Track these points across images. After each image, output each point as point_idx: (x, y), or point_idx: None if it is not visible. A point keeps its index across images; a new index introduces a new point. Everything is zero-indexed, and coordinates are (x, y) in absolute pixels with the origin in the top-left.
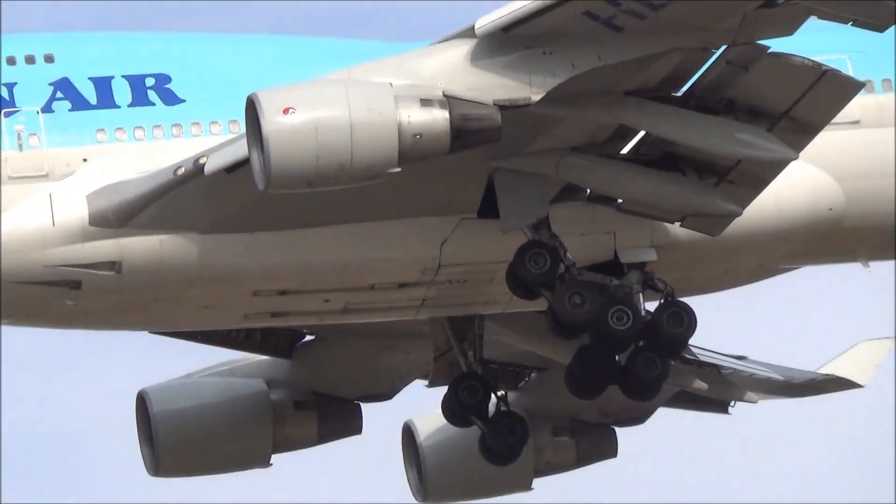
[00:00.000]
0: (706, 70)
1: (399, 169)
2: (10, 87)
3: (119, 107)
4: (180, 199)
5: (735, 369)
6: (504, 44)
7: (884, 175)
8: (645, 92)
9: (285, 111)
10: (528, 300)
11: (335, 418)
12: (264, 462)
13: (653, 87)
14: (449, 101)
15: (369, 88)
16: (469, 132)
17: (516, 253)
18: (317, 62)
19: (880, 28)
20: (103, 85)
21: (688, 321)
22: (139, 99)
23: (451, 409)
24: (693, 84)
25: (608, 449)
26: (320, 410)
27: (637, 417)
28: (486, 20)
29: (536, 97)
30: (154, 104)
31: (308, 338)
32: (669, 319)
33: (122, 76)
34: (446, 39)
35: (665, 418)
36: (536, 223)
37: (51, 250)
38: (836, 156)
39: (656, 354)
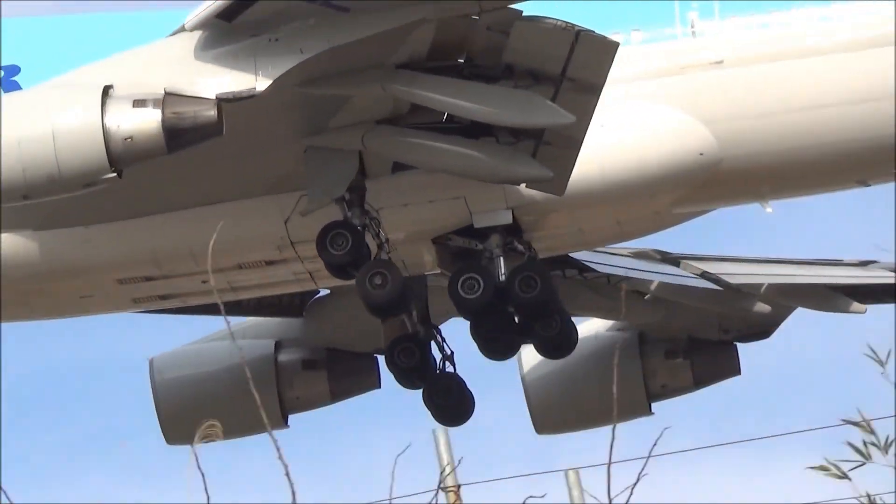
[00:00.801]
0: (472, 37)
1: (114, 174)
2: None
3: None
4: None
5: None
6: (230, 34)
7: (756, 115)
8: (420, 64)
9: None
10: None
11: (348, 374)
12: (279, 424)
13: (429, 58)
14: (165, 99)
15: (79, 93)
16: (184, 130)
17: (318, 235)
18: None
19: None
20: None
21: (540, 286)
22: None
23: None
24: (467, 52)
25: (729, 367)
26: (330, 368)
27: (763, 332)
28: (195, 12)
29: (262, 86)
30: None
31: (322, 293)
32: (521, 284)
33: None
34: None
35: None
36: (349, 200)
37: None
38: (699, 99)
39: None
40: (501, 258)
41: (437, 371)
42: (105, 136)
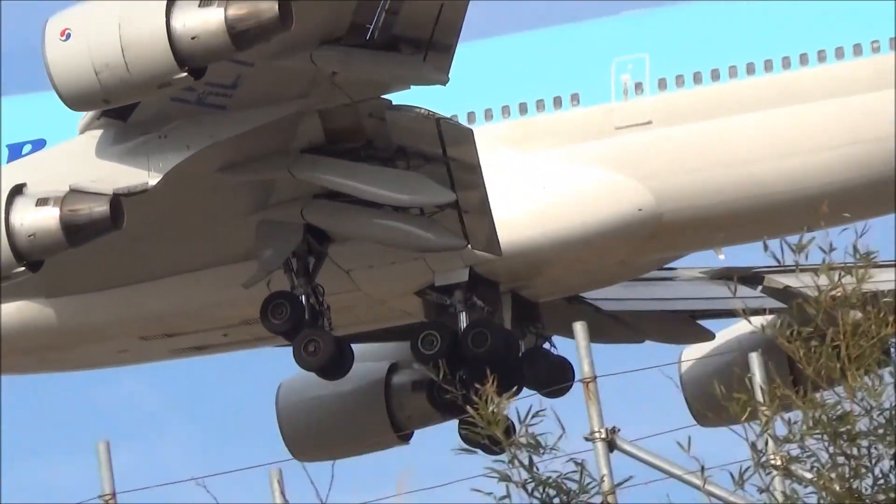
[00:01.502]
0: (361, 123)
1: (22, 268)
2: None
3: None
4: None
5: None
6: (127, 132)
7: (687, 171)
8: (323, 147)
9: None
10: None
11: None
12: (399, 441)
13: (330, 142)
14: (65, 197)
15: None
16: (80, 226)
17: (261, 305)
18: None
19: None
20: None
21: (490, 342)
22: None
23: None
24: (365, 136)
25: None
26: (430, 391)
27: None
28: (85, 118)
29: (154, 181)
30: None
31: None
32: (473, 340)
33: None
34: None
35: None
36: (295, 269)
37: None
38: (632, 159)
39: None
40: (464, 312)
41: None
42: (9, 235)
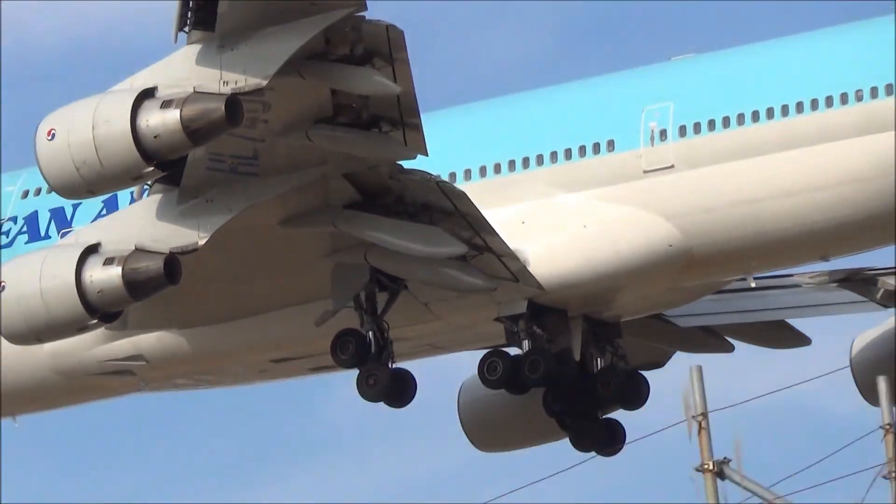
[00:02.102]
0: (386, 183)
1: (94, 321)
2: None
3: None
4: (146, 307)
5: None
6: (179, 196)
7: (706, 209)
8: (362, 203)
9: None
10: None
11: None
12: (558, 435)
13: (364, 196)
14: (128, 256)
15: (65, 254)
16: (140, 282)
17: (332, 341)
18: None
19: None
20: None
21: (543, 368)
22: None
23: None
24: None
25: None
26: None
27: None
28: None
29: (203, 241)
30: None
31: None
32: (528, 366)
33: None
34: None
35: None
36: (365, 308)
37: (94, 350)
38: (659, 200)
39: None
40: (527, 340)
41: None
42: (80, 291)
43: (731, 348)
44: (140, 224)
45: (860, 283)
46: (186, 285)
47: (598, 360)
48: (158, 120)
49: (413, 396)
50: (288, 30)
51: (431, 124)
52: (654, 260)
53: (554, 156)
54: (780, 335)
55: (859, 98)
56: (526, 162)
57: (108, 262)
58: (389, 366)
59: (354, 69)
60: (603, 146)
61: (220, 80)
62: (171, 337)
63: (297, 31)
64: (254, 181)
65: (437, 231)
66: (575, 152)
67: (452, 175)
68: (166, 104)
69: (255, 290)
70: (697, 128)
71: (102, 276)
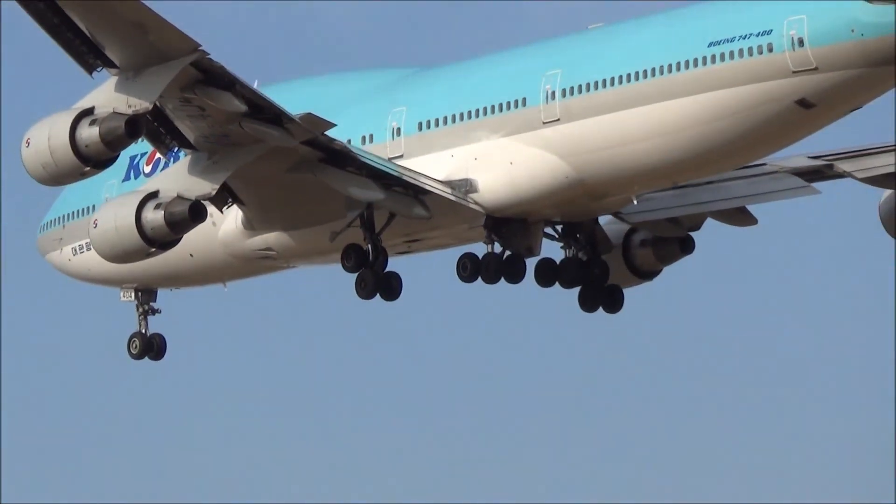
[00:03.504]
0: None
1: (154, 249)
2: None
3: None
4: (258, 220)
5: None
6: (197, 158)
7: (588, 151)
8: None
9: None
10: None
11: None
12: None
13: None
14: (169, 203)
15: (131, 200)
16: (176, 222)
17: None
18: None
19: None
20: None
21: (499, 262)
22: None
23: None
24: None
25: None
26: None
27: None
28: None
29: (213, 191)
30: None
31: None
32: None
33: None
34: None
35: None
36: (361, 225)
37: (245, 242)
38: (554, 144)
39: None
40: (494, 242)
41: None
42: (138, 227)
43: (684, 233)
44: (181, 177)
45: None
46: (272, 211)
47: (571, 250)
48: (87, 134)
49: (400, 293)
50: (163, 68)
51: (407, 85)
52: (557, 187)
53: (491, 109)
54: (737, 219)
55: (687, 66)
56: (476, 113)
57: (157, 206)
58: (382, 271)
59: (220, 92)
60: (521, 103)
61: (128, 104)
62: (280, 236)
63: (168, 69)
64: (237, 150)
65: (367, 181)
66: (505, 107)
67: (428, 123)
68: (93, 122)
69: (303, 213)
70: (576, 90)
71: (152, 217)
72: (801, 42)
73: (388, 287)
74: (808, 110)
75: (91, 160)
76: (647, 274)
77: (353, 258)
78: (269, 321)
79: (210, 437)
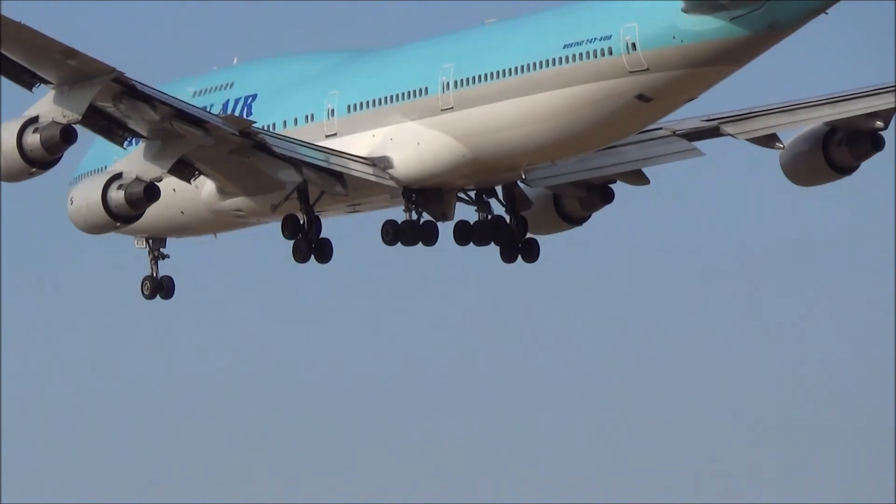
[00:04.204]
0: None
1: (119, 224)
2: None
3: None
4: (225, 189)
5: None
6: (149, 145)
7: (479, 134)
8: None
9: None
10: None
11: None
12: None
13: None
14: (130, 183)
15: (98, 180)
16: (133, 201)
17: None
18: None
19: None
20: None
21: (417, 229)
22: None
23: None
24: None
25: None
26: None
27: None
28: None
29: (164, 173)
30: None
31: None
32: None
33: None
34: None
35: None
36: (298, 197)
37: (220, 203)
38: (451, 128)
39: None
40: (412, 211)
41: None
42: (104, 204)
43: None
44: (138, 162)
45: (704, 133)
46: (231, 183)
47: (482, 213)
48: (30, 141)
49: (331, 257)
50: (88, 85)
51: (341, 71)
52: (456, 164)
53: (402, 96)
54: (633, 179)
55: (548, 65)
56: (391, 99)
57: (119, 187)
58: (316, 237)
59: (140, 104)
60: (424, 91)
61: (62, 114)
62: (244, 200)
63: (92, 86)
64: (179, 139)
65: (288, 167)
66: (412, 94)
67: (355, 106)
68: (35, 130)
69: (252, 186)
70: (465, 82)
71: (115, 196)
72: (634, 46)
73: (321, 252)
74: (647, 103)
75: (36, 163)
76: (576, 220)
77: (290, 227)
78: (238, 272)
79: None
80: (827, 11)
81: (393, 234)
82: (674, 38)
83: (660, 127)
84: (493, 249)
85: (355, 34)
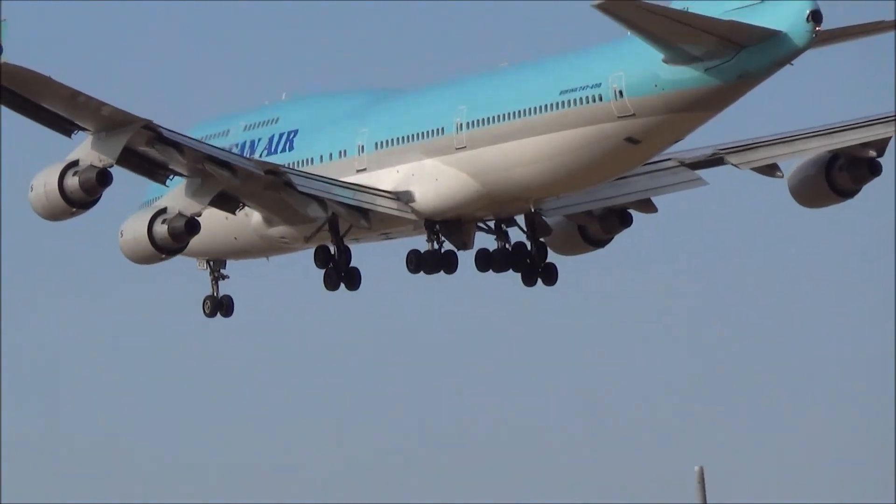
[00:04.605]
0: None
1: (164, 257)
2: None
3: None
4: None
5: None
6: (189, 183)
7: (490, 171)
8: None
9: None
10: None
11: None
12: None
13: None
14: (173, 218)
15: (145, 215)
16: (176, 234)
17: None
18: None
19: None
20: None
21: (440, 258)
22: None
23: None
24: None
25: None
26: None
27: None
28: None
29: (203, 209)
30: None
31: None
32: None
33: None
34: None
35: None
36: (329, 229)
37: (268, 231)
38: (466, 165)
39: None
40: (434, 240)
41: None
42: (150, 237)
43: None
44: (180, 198)
45: (709, 162)
46: (271, 214)
47: (500, 242)
48: (70, 183)
49: (360, 284)
50: (122, 133)
51: (371, 110)
52: (470, 198)
53: (422, 135)
54: (642, 207)
55: (547, 109)
56: (413, 137)
57: (163, 221)
58: (345, 267)
59: (170, 149)
60: (441, 131)
61: (99, 159)
62: (286, 229)
63: (125, 133)
64: (214, 178)
65: (314, 204)
66: (431, 134)
67: (382, 143)
68: (75, 173)
69: (289, 217)
70: (476, 123)
71: (159, 230)
72: (621, 93)
73: (350, 280)
74: (636, 145)
75: (76, 203)
76: (599, 242)
77: (322, 257)
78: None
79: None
80: (792, 62)
81: (416, 263)
82: (655, 86)
83: (668, 158)
84: (513, 274)
85: (393, 71)
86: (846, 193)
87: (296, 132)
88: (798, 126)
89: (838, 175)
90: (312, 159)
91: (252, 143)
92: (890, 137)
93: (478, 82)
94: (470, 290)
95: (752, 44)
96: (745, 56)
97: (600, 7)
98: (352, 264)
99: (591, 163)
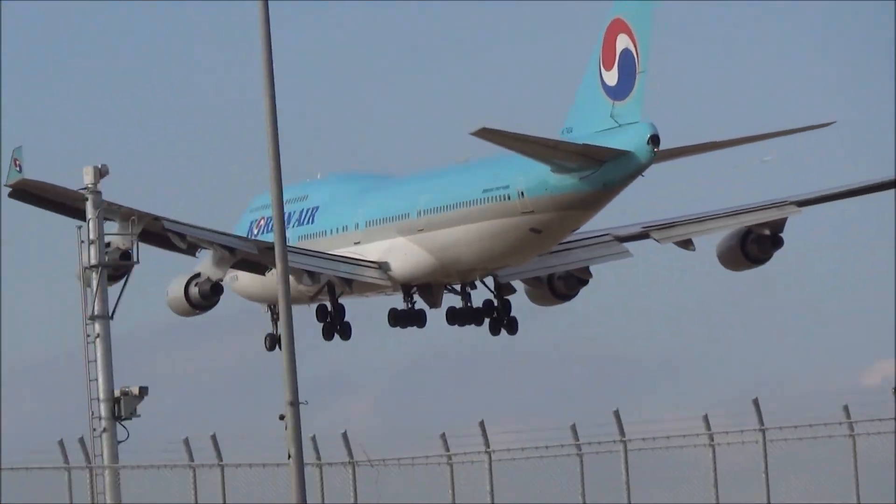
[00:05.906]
0: None
1: (198, 312)
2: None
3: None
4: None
5: None
6: (215, 254)
7: (442, 249)
8: None
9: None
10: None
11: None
12: None
13: None
14: (202, 282)
15: (183, 279)
16: (206, 295)
17: (315, 310)
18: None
19: None
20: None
21: (414, 316)
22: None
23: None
24: None
25: None
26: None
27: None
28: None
29: (224, 276)
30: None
31: None
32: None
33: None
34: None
35: None
36: (327, 291)
37: (298, 286)
38: (425, 244)
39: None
40: (409, 302)
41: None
42: (186, 298)
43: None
44: (208, 265)
45: (636, 237)
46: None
47: (465, 302)
48: (192, 292)
49: (350, 335)
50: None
51: (367, 193)
52: (430, 270)
53: (396, 217)
54: (582, 273)
55: (474, 203)
56: (390, 219)
57: (195, 284)
58: (340, 320)
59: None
60: (409, 215)
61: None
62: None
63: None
64: (229, 253)
65: (304, 275)
66: (401, 217)
67: (370, 222)
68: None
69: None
70: (429, 211)
71: (193, 291)
72: (522, 194)
73: (343, 332)
74: (539, 234)
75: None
76: (565, 296)
77: (321, 314)
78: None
79: None
80: (643, 174)
81: (394, 319)
82: (546, 189)
83: (606, 233)
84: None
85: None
86: (757, 260)
87: (317, 208)
88: (713, 207)
89: (750, 246)
90: (325, 232)
91: (289, 214)
92: (786, 218)
93: (439, 174)
94: (441, 339)
95: (609, 160)
96: (606, 169)
97: (477, 135)
98: (345, 319)
99: (507, 247)
